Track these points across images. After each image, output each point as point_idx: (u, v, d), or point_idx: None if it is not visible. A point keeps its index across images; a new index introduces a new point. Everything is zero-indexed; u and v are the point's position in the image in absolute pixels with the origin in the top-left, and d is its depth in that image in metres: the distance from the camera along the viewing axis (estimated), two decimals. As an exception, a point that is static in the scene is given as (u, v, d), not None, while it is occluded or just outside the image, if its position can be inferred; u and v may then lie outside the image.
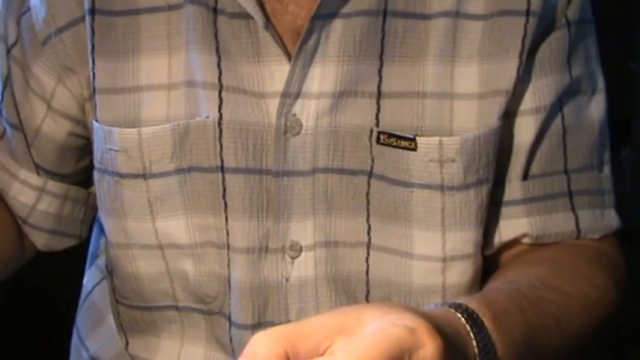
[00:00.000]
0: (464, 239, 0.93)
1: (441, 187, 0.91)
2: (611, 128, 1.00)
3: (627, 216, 1.01)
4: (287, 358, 0.64)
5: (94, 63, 0.93)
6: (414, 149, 0.91)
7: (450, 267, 0.93)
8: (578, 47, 0.95)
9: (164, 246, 0.95)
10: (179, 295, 0.96)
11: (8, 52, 0.98)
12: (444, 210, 0.92)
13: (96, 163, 0.97)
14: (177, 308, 0.97)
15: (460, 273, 0.93)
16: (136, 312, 1.00)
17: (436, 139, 0.90)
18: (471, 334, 0.74)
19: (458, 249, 0.93)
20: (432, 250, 0.93)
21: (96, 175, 0.97)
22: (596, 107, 0.97)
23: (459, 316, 0.74)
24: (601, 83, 0.98)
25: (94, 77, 0.94)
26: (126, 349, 1.02)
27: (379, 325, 0.65)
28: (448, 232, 0.92)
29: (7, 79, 0.99)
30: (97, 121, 0.95)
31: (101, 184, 0.97)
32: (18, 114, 0.99)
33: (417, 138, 0.90)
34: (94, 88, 0.94)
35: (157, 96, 0.93)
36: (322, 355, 0.65)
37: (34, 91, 0.98)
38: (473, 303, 0.77)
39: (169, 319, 0.98)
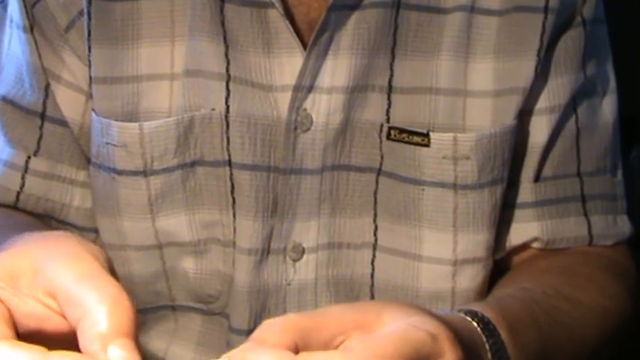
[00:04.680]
0: (476, 241, 0.90)
1: (454, 186, 0.89)
2: (620, 128, 0.98)
3: (637, 219, 0.99)
4: (296, 348, 0.60)
5: (89, 50, 0.89)
6: (427, 145, 0.88)
7: (461, 271, 0.90)
8: (593, 46, 0.93)
9: (163, 245, 0.91)
10: (176, 294, 0.93)
11: (36, 42, 0.92)
12: (456, 210, 0.89)
13: (91, 157, 0.92)
14: (172, 308, 0.94)
15: (471, 277, 0.91)
16: None
17: (450, 135, 0.88)
18: (487, 345, 0.71)
19: (469, 252, 0.90)
20: (443, 253, 0.90)
21: (91, 170, 0.93)
22: (609, 108, 0.96)
23: (476, 325, 0.72)
24: (613, 84, 0.96)
25: (89, 65, 0.89)
26: None
27: (400, 326, 0.62)
28: (460, 233, 0.90)
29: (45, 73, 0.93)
30: (94, 111, 0.90)
31: (95, 180, 0.92)
32: (61, 109, 0.93)
33: (431, 133, 0.88)
34: (90, 78, 0.90)
35: (159, 86, 0.89)
36: (336, 348, 0.62)
37: (68, 82, 0.92)
38: (489, 312, 0.74)
39: (162, 318, 0.95)
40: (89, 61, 0.89)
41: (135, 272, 0.93)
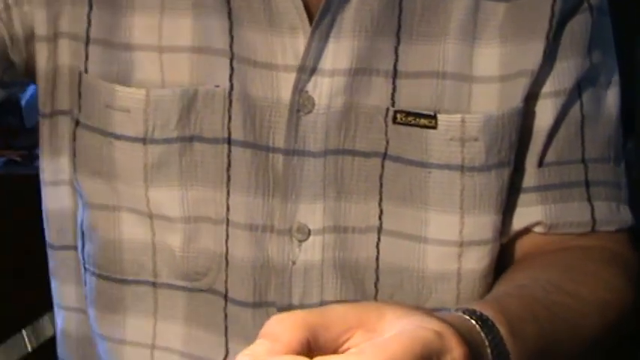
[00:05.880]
0: (482, 223, 0.90)
1: (461, 168, 0.89)
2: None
3: (633, 211, 0.98)
4: (308, 345, 0.62)
5: (90, 9, 0.89)
6: (435, 127, 0.88)
7: (467, 252, 0.90)
8: (598, 35, 0.94)
9: (154, 216, 0.91)
10: (160, 270, 0.92)
11: None
12: (463, 192, 0.89)
13: (82, 119, 0.91)
14: (153, 284, 0.93)
15: (477, 259, 0.91)
16: (106, 283, 0.94)
17: (458, 116, 0.88)
18: (486, 341, 0.72)
19: (476, 233, 0.90)
20: (449, 234, 0.90)
21: (79, 131, 0.92)
22: (612, 100, 0.96)
23: (474, 323, 0.72)
24: (616, 76, 0.97)
25: (89, 24, 0.89)
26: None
27: (406, 327, 0.64)
28: (467, 215, 0.90)
29: None
30: (87, 72, 0.90)
31: (86, 141, 0.91)
32: None
33: (438, 115, 0.88)
34: (88, 37, 0.89)
35: (148, 57, 0.89)
36: (340, 346, 0.63)
37: None
38: (488, 310, 0.74)
39: (140, 296, 0.93)
40: (89, 20, 0.89)
41: (124, 237, 0.92)
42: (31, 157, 2.11)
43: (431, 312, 0.68)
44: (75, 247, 0.97)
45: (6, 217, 1.82)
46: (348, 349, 0.63)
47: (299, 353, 0.61)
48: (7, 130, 2.14)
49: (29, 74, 0.93)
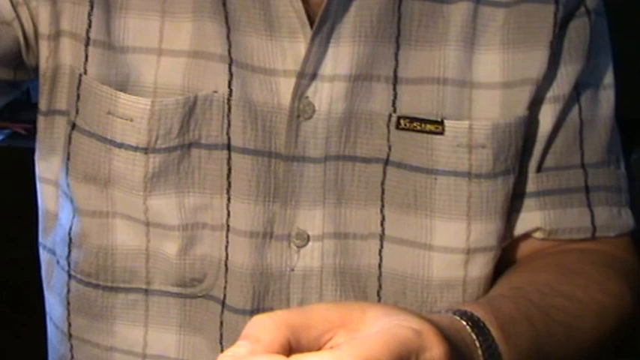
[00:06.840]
0: (489, 230, 0.90)
1: (469, 175, 0.88)
2: (621, 130, 0.97)
3: (637, 221, 0.98)
4: (289, 345, 0.62)
5: (92, 8, 0.88)
6: (442, 133, 0.88)
7: (473, 259, 0.90)
8: (595, 38, 0.93)
9: (151, 224, 0.89)
10: (153, 277, 0.91)
11: None
12: (470, 199, 0.89)
13: (80, 122, 0.90)
14: (145, 291, 0.91)
15: (482, 266, 0.90)
16: (94, 291, 0.92)
17: (466, 122, 0.88)
18: (477, 342, 0.72)
19: (482, 240, 0.90)
20: (455, 242, 0.89)
21: (75, 134, 0.90)
22: (609, 102, 0.95)
23: (465, 324, 0.72)
24: (611, 79, 0.96)
25: (89, 25, 0.88)
26: (69, 332, 0.95)
27: (385, 325, 0.64)
28: (473, 222, 0.89)
29: None
30: (86, 74, 0.88)
31: (82, 145, 0.90)
32: None
33: (445, 121, 0.88)
34: (88, 38, 0.88)
35: (147, 62, 0.88)
36: (322, 346, 0.64)
37: None
38: (479, 311, 0.74)
39: (131, 303, 0.92)
40: (90, 20, 0.88)
41: (118, 243, 0.91)
42: (36, 131, 2.13)
43: (413, 311, 0.68)
44: (53, 252, 0.96)
45: (9, 189, 1.83)
46: (331, 348, 0.63)
47: (280, 354, 0.61)
48: (13, 103, 2.15)
49: (38, 73, 0.92)
